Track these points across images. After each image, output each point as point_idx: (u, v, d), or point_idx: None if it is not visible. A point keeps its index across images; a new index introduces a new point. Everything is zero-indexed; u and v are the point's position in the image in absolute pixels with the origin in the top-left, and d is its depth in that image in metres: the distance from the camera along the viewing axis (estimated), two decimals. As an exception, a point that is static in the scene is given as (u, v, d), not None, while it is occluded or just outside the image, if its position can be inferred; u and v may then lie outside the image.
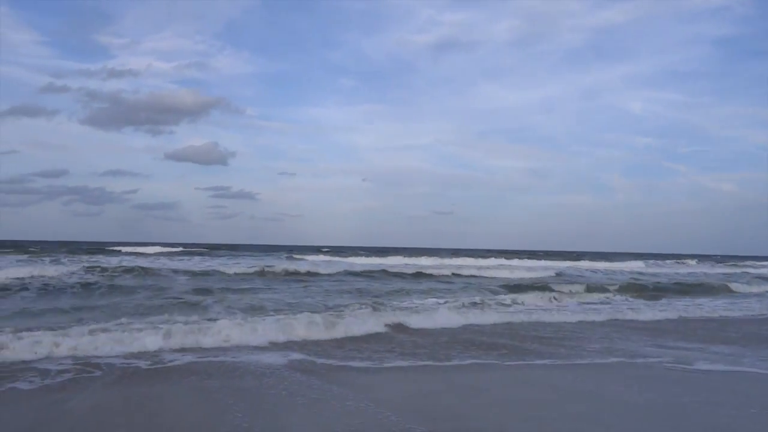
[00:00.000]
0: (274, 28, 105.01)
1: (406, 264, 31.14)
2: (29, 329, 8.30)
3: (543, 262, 40.23)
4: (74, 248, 43.48)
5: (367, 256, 41.21)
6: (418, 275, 23.99)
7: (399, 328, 10.28)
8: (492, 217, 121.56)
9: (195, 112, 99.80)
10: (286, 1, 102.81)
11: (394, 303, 13.45)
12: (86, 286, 15.21)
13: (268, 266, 23.39)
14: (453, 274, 25.66)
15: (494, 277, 24.73)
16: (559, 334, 10.24)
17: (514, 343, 9.11)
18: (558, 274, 28.50)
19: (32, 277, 16.49)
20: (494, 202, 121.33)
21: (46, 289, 14.39)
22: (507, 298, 15.46)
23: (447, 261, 36.76)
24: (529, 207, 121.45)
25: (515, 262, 39.56)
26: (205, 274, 20.60)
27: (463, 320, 11.32)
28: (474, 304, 13.68)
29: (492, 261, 38.37)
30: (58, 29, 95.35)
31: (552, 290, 18.09)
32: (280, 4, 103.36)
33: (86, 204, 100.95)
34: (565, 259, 47.30)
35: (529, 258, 46.25)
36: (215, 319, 9.57)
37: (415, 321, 10.77)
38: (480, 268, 29.05)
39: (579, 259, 47.76)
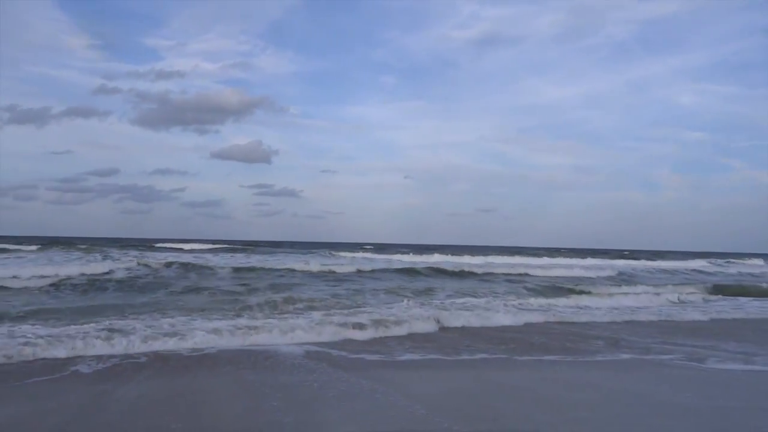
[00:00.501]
0: (316, 27, 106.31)
1: (451, 261, 30.81)
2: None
3: (594, 261, 38.89)
4: (125, 244, 44.99)
5: (409, 253, 40.98)
6: (464, 273, 23.63)
7: (441, 325, 10.23)
8: (535, 215, 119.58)
9: (239, 112, 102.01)
10: (328, 0, 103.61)
11: (435, 301, 13.37)
12: (135, 281, 15.79)
13: (325, 264, 23.55)
14: (514, 273, 24.71)
15: (554, 276, 23.99)
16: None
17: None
18: (619, 273, 27.30)
19: (109, 271, 17.17)
20: (538, 199, 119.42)
21: (123, 284, 15.14)
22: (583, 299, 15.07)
23: (496, 259, 36.16)
24: (573, 204, 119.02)
25: (573, 260, 37.96)
26: (251, 269, 21.04)
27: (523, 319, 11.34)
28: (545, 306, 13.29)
29: (545, 260, 37.12)
30: (110, 33, 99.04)
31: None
32: (322, 4, 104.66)
33: (136, 202, 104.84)
34: (613, 257, 45.99)
35: (575, 257, 45.14)
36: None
37: (460, 319, 10.70)
38: (529, 266, 27.98)
39: (630, 258, 46.30)
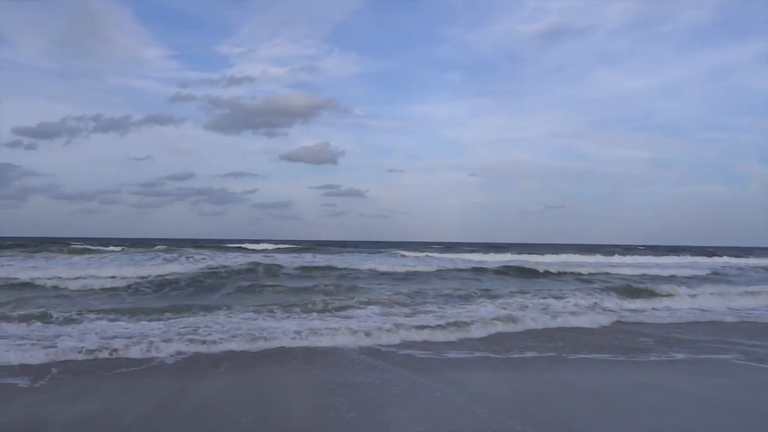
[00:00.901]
0: (379, 28, 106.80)
1: (524, 260, 29.90)
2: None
3: (679, 258, 36.75)
4: (199, 245, 46.78)
5: (477, 252, 40.34)
6: (538, 273, 22.74)
7: (520, 326, 9.99)
8: (609, 211, 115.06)
9: (306, 114, 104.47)
10: (391, 0, 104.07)
11: (511, 301, 12.94)
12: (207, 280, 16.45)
13: (390, 263, 23.58)
14: (594, 272, 23.30)
15: (641, 275, 22.33)
16: None
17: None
18: (714, 273, 24.76)
19: (182, 273, 17.99)
20: (611, 195, 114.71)
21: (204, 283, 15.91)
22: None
23: (569, 257, 34.95)
24: (649, 199, 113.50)
25: (660, 259, 35.82)
26: (317, 268, 21.39)
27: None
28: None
29: (628, 258, 35.27)
30: (184, 43, 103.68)
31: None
32: (385, 4, 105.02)
33: (211, 204, 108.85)
34: (694, 254, 43.54)
35: (652, 254, 43.04)
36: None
37: (537, 321, 10.40)
38: (612, 265, 26.49)
39: (714, 255, 43.50)
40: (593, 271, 24.10)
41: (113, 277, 16.00)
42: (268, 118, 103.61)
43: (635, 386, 6.07)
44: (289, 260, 25.41)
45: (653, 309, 12.83)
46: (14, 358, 6.74)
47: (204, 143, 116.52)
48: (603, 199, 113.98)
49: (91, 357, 7.00)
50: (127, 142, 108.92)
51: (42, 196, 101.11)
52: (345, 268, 21.72)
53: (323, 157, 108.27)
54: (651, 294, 14.95)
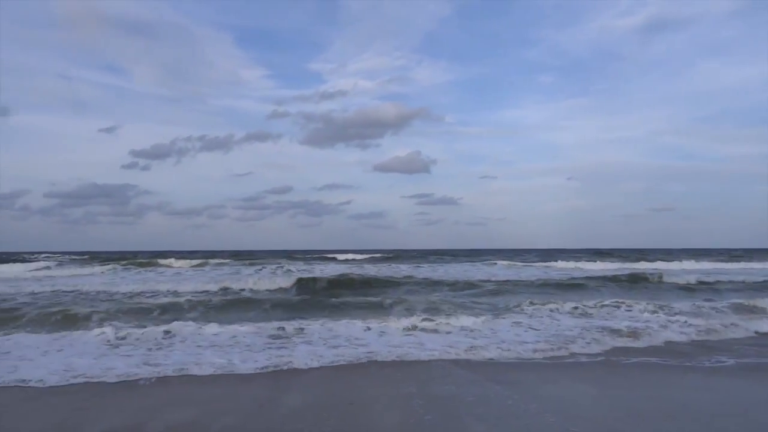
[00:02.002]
0: (469, 35, 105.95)
1: (646, 269, 27.95)
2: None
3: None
4: (295, 257, 48.47)
5: (581, 259, 38.39)
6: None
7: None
8: (723, 212, 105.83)
9: (397, 125, 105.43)
10: (479, 6, 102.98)
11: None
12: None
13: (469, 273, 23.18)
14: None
15: None
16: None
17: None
18: None
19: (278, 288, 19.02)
20: (725, 195, 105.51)
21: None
22: None
23: (688, 264, 32.47)
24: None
25: None
26: (402, 278, 21.60)
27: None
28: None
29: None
30: (279, 63, 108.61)
31: None
32: (473, 11, 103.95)
33: (308, 216, 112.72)
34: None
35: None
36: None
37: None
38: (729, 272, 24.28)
39: None
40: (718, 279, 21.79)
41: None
42: (360, 130, 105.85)
43: None
44: (374, 270, 25.81)
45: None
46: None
47: (300, 157, 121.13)
48: (717, 200, 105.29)
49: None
50: (230, 160, 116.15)
51: (156, 213, 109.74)
52: (423, 279, 21.60)
53: (415, 167, 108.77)
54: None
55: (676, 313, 11.75)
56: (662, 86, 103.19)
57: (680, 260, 37.36)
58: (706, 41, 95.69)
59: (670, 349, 8.67)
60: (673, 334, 9.62)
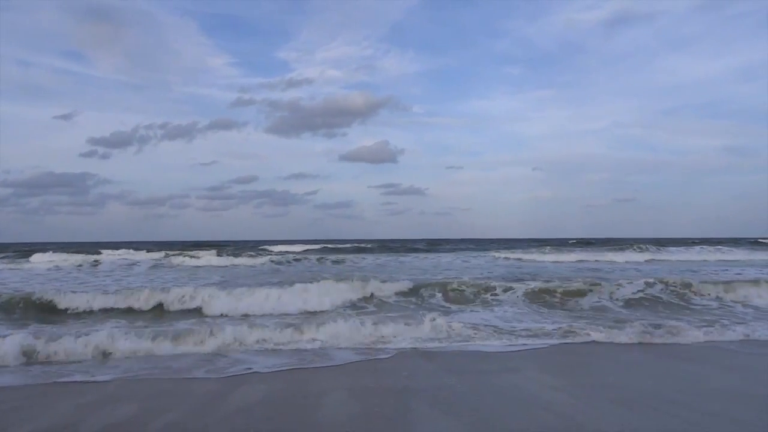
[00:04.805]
0: (436, 25, 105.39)
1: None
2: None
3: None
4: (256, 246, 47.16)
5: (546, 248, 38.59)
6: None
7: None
8: (683, 203, 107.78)
9: (365, 114, 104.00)
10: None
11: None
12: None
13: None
14: None
15: None
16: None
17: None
18: None
19: None
20: (685, 186, 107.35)
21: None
22: None
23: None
24: (728, 189, 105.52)
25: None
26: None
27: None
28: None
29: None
30: (245, 50, 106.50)
31: None
32: (441, 1, 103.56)
33: (274, 206, 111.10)
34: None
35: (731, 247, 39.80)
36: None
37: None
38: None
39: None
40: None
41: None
42: (327, 119, 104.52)
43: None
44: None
45: None
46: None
47: (266, 146, 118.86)
48: (677, 191, 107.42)
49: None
50: (194, 148, 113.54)
51: (117, 202, 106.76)
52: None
53: (383, 156, 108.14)
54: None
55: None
56: (626, 79, 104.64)
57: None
58: (669, 36, 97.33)
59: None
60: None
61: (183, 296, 11.63)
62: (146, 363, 7.00)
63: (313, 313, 10.84)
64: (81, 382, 6.14)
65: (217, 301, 11.36)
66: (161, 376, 6.34)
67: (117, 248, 38.99)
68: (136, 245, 46.74)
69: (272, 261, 29.22)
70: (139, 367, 6.78)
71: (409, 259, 31.63)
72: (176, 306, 11.37)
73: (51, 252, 33.56)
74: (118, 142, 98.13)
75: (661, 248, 37.59)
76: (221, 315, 10.81)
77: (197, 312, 11.02)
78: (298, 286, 12.49)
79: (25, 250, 38.54)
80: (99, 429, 4.53)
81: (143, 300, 11.49)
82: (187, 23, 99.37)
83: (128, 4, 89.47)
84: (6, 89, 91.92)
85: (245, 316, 10.67)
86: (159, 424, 4.62)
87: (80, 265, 26.67)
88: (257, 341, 7.99)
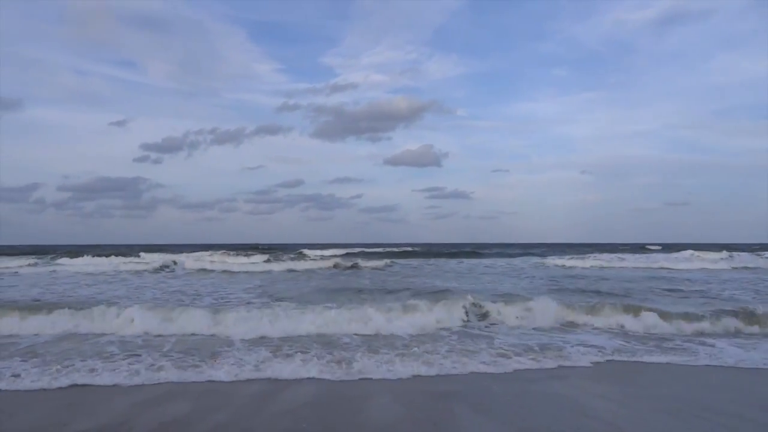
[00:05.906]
0: (480, 28, 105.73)
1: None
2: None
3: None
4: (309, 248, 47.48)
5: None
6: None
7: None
8: (739, 206, 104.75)
9: (409, 118, 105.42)
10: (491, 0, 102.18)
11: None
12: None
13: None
14: None
15: None
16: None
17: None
18: None
19: None
20: (740, 189, 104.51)
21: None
22: None
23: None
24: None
25: None
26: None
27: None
28: None
29: None
30: (291, 57, 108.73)
31: None
32: (485, 4, 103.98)
33: (319, 209, 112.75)
34: None
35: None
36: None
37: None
38: None
39: None
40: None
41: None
42: (371, 124, 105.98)
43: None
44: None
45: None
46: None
47: (311, 150, 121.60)
48: (732, 194, 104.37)
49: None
50: (242, 153, 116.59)
51: (168, 206, 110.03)
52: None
53: (427, 160, 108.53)
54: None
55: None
56: (676, 79, 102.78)
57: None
58: (721, 34, 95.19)
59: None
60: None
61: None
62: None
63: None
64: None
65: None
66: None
67: (158, 251, 39.49)
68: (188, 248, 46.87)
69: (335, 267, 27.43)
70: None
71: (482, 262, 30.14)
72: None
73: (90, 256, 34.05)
74: (170, 147, 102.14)
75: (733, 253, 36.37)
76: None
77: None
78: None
79: (74, 253, 39.48)
80: (152, 428, 4.70)
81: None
82: (235, 31, 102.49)
83: (179, 13, 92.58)
84: (64, 97, 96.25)
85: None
86: (209, 424, 4.77)
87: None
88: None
